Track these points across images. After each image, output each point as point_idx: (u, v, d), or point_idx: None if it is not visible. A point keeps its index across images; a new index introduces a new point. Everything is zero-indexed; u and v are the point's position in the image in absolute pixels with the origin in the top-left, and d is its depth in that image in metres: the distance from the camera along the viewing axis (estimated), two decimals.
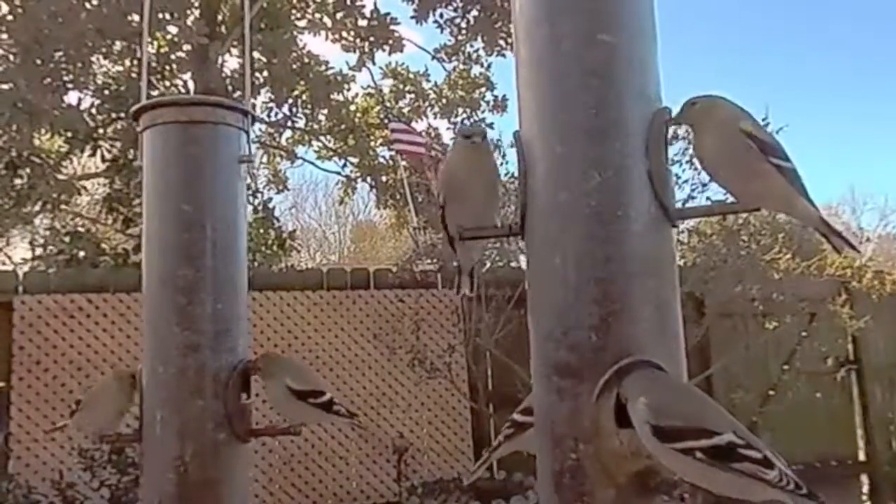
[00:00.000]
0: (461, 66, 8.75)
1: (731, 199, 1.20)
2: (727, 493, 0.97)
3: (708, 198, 4.71)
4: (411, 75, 9.06)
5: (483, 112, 8.73)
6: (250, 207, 7.50)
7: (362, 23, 8.08)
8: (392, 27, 7.97)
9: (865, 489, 6.14)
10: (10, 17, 6.16)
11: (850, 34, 23.86)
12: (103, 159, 7.18)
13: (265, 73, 7.98)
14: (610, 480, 1.04)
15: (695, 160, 4.88)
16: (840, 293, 5.68)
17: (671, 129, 1.17)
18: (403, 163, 7.01)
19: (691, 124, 1.20)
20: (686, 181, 4.79)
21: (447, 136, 8.76)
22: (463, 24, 8.09)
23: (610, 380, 1.04)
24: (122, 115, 6.84)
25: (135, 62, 7.13)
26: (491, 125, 8.52)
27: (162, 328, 1.66)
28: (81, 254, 6.51)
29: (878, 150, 23.92)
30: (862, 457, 6.15)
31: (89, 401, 1.79)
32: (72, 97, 6.69)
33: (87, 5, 6.44)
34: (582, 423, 1.05)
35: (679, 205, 1.19)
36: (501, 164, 5.21)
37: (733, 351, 5.30)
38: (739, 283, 4.97)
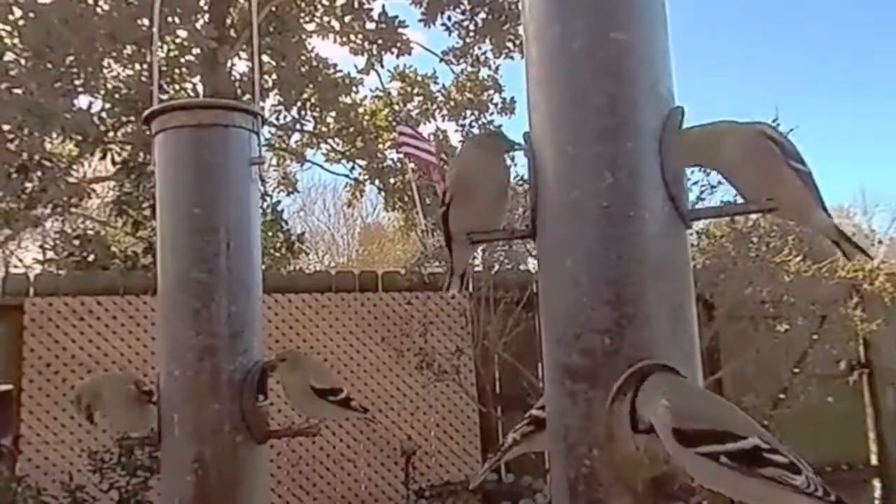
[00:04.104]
0: (469, 69, 8.75)
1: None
2: (750, 500, 0.93)
3: (721, 200, 4.68)
4: (419, 78, 9.07)
5: (491, 114, 8.72)
6: (259, 210, 7.52)
7: (370, 26, 8.10)
8: (400, 30, 7.99)
9: (878, 493, 6.08)
10: (21, 22, 6.20)
11: (860, 34, 23.73)
12: (113, 162, 7.22)
13: (274, 77, 8.01)
14: (626, 487, 1.01)
15: None
16: (852, 295, 5.63)
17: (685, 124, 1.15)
18: (412, 165, 7.01)
19: (704, 160, 1.17)
20: (696, 183, 4.77)
21: (455, 139, 8.78)
22: (471, 27, 8.10)
23: (624, 384, 1.01)
24: (132, 118, 6.88)
25: (145, 66, 7.17)
26: (499, 128, 8.52)
27: (177, 331, 1.67)
28: (91, 256, 6.55)
29: (889, 152, 23.76)
30: (874, 461, 6.10)
31: (108, 410, 1.80)
32: (82, 101, 6.73)
33: (98, 10, 6.48)
34: (596, 429, 1.03)
35: (690, 206, 1.18)
36: (510, 166, 5.20)
37: (744, 354, 5.26)
38: (750, 286, 4.93)
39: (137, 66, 7.34)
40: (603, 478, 1.03)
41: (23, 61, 6.23)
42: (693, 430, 0.92)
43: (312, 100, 8.48)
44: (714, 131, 1.15)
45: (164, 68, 7.26)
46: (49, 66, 6.17)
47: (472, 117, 8.69)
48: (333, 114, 8.63)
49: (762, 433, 0.94)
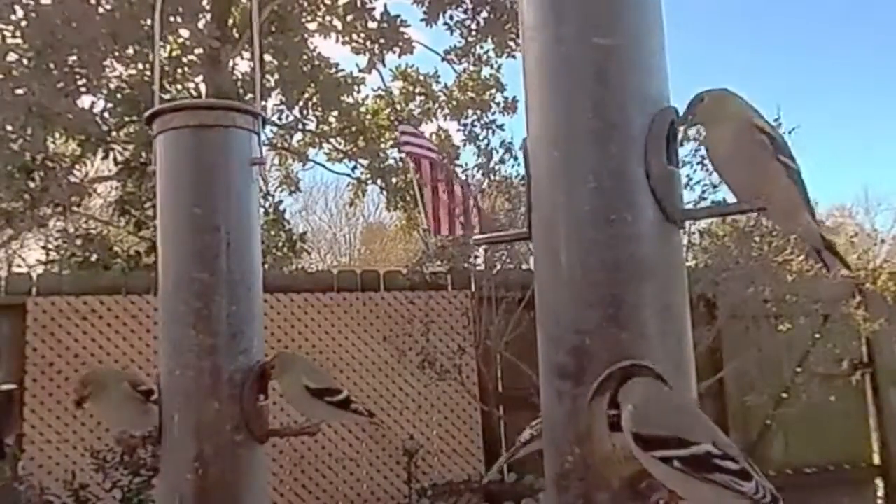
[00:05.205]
0: (471, 68, 8.74)
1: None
2: (701, 502, 0.98)
3: (720, 200, 4.68)
4: (421, 77, 9.06)
5: (493, 114, 8.72)
6: (261, 210, 7.52)
7: (372, 25, 8.10)
8: (402, 29, 7.98)
9: (880, 493, 6.07)
10: (24, 23, 6.21)
11: (863, 32, 23.68)
12: (115, 162, 7.24)
13: (276, 76, 8.01)
14: (604, 484, 1.04)
15: (706, 161, 4.86)
16: (854, 295, 5.63)
17: (682, 130, 1.16)
18: (413, 165, 7.01)
19: (702, 122, 1.18)
20: (697, 182, 4.77)
21: (457, 138, 8.78)
22: (473, 26, 8.09)
23: (603, 384, 1.04)
24: (135, 118, 6.89)
25: (147, 66, 7.18)
26: (501, 126, 8.52)
27: (177, 331, 1.67)
28: (94, 256, 6.56)
29: (892, 151, 23.70)
30: (877, 460, 6.09)
31: (106, 407, 1.81)
32: (85, 101, 6.75)
33: (101, 10, 6.49)
34: (578, 427, 1.06)
35: (689, 206, 1.18)
36: (513, 165, 5.22)
37: (746, 353, 5.26)
38: (752, 285, 4.93)
39: (140, 66, 7.34)
40: (583, 475, 1.06)
41: (25, 61, 6.25)
42: (651, 435, 0.98)
43: (314, 99, 8.48)
44: (715, 111, 1.16)
45: (166, 68, 7.26)
46: (51, 66, 6.18)
47: (474, 116, 8.68)
48: (335, 113, 8.63)
49: (720, 440, 0.99)
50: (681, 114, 1.14)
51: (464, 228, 4.78)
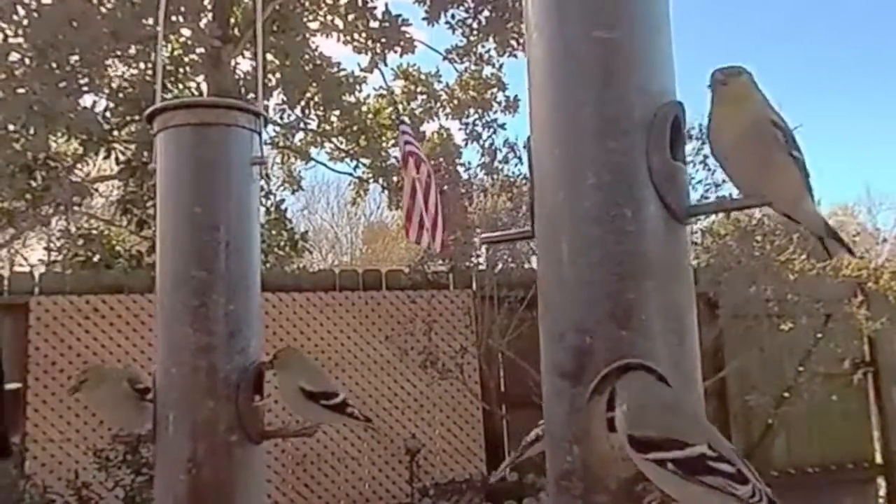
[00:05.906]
0: (473, 67, 8.73)
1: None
2: None
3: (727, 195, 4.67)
4: (423, 76, 9.06)
5: (495, 113, 8.71)
6: (263, 209, 7.53)
7: (374, 24, 8.09)
8: (403, 28, 7.97)
9: (882, 492, 6.07)
10: (25, 22, 6.22)
11: (865, 31, 23.63)
12: (117, 162, 7.24)
13: (278, 75, 8.01)
14: (601, 486, 1.03)
15: (707, 160, 4.85)
16: (856, 294, 5.62)
17: (688, 122, 1.14)
18: (412, 164, 7.00)
19: (716, 100, 1.15)
20: (699, 182, 4.77)
21: (459, 137, 8.77)
22: (474, 25, 8.08)
23: (601, 383, 1.02)
24: (137, 117, 6.90)
25: (149, 65, 7.18)
26: (503, 126, 8.51)
27: (175, 329, 1.67)
28: (96, 256, 6.57)
29: (894, 149, 23.64)
30: (879, 459, 6.08)
31: (102, 407, 1.81)
32: (87, 100, 6.74)
33: (102, 9, 6.49)
34: (575, 427, 1.05)
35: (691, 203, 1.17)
36: (516, 165, 5.22)
37: (748, 352, 5.26)
38: (753, 284, 4.93)
39: (142, 66, 7.34)
40: (581, 475, 1.04)
41: (27, 61, 6.25)
42: (644, 436, 0.96)
43: (316, 98, 8.47)
44: (732, 97, 1.14)
45: (168, 67, 7.27)
46: (53, 65, 6.18)
47: (476, 115, 8.67)
48: (337, 112, 8.62)
49: (716, 442, 0.96)
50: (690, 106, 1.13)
51: (433, 242, 4.73)
